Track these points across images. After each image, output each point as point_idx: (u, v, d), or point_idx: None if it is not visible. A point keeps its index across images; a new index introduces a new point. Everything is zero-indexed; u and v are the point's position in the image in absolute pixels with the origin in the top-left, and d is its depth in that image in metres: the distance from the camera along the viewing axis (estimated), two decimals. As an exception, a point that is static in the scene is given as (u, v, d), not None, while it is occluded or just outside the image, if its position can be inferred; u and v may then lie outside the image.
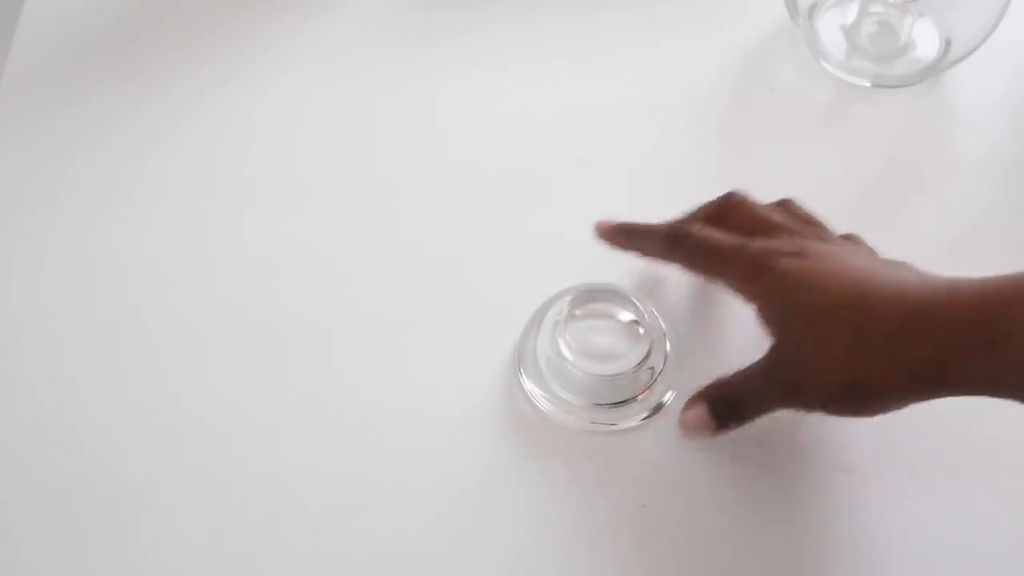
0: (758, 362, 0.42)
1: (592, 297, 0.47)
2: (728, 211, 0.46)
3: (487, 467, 0.46)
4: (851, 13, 0.59)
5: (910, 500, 0.45)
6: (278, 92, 0.58)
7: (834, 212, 0.47)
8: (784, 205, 0.47)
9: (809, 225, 0.46)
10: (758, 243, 0.43)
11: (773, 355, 0.42)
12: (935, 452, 0.46)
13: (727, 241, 0.44)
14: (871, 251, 0.46)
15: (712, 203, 0.47)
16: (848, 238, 0.46)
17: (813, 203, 0.47)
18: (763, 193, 0.47)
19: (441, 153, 0.55)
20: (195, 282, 0.51)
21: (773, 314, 0.42)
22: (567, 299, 0.47)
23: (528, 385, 0.47)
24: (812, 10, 0.58)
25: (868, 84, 0.57)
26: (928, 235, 0.52)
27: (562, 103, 0.57)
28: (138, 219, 0.53)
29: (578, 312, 0.47)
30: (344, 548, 0.44)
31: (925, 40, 0.58)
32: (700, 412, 0.44)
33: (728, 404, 0.44)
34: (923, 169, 0.55)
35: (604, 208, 0.49)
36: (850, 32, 0.59)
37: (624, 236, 0.47)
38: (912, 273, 0.42)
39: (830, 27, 0.59)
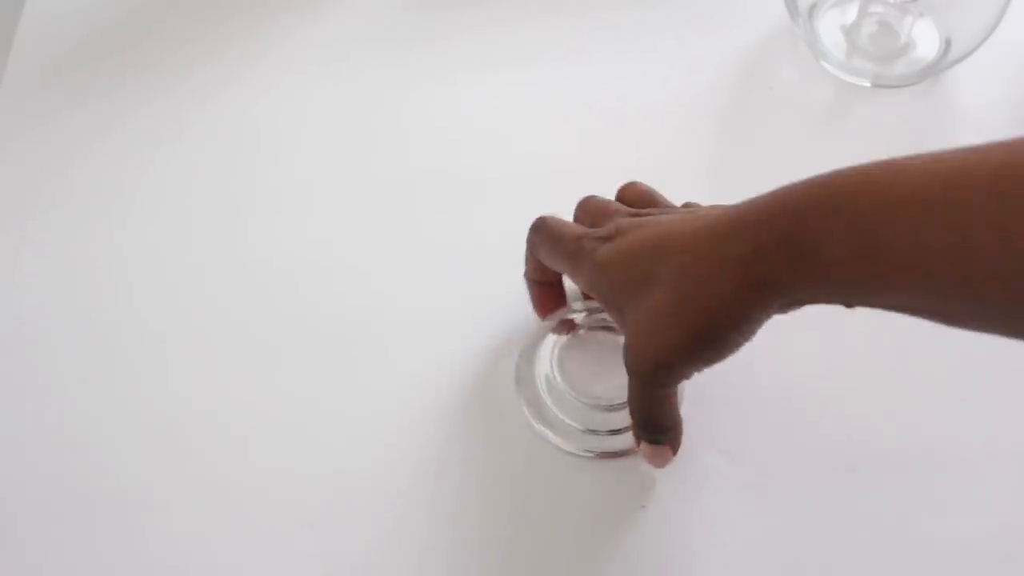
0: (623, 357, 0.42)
1: (591, 322, 0.48)
2: (578, 210, 0.47)
3: (487, 468, 0.46)
4: (851, 13, 0.59)
5: (910, 500, 0.45)
6: (280, 92, 0.58)
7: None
8: (630, 190, 0.47)
9: (649, 205, 0.45)
10: (576, 231, 0.43)
11: (625, 345, 0.41)
12: (935, 452, 0.46)
13: (565, 231, 0.44)
14: (703, 211, 0.43)
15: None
16: (687, 206, 0.45)
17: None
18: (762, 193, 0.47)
19: (441, 153, 0.55)
20: (197, 282, 0.51)
21: (603, 301, 0.42)
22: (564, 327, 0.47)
23: (527, 411, 0.47)
24: (812, 10, 0.58)
25: (868, 84, 0.57)
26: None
27: (562, 103, 0.57)
28: (141, 219, 0.53)
29: (580, 333, 0.47)
30: (344, 548, 0.44)
31: (925, 40, 0.58)
32: (645, 447, 0.43)
33: (644, 427, 0.43)
34: (923, 169, 0.55)
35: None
36: (850, 32, 0.59)
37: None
38: (705, 210, 0.42)
39: (830, 27, 0.59)
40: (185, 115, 0.57)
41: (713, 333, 0.38)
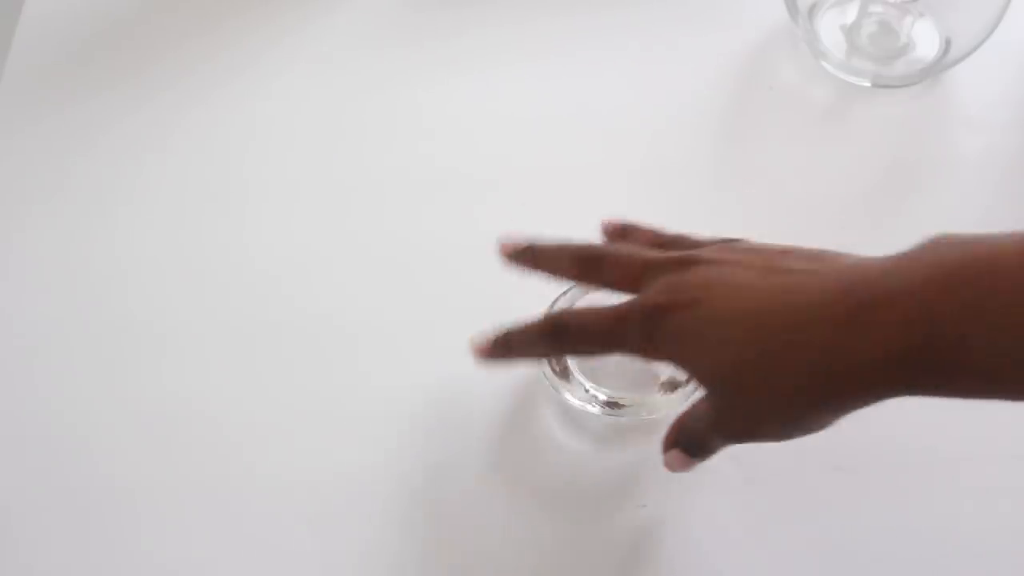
0: (705, 409, 0.39)
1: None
2: (581, 265, 0.41)
3: (486, 468, 0.46)
4: (851, 13, 0.59)
5: (910, 500, 0.45)
6: (277, 93, 0.58)
7: (833, 212, 0.47)
8: (638, 235, 0.42)
9: (672, 246, 0.41)
10: (606, 310, 0.39)
11: (714, 411, 0.38)
12: (934, 452, 0.46)
13: (595, 316, 0.39)
14: (757, 249, 0.39)
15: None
16: (729, 242, 0.41)
17: (812, 203, 0.47)
18: (762, 193, 0.47)
19: (441, 153, 0.55)
20: (195, 282, 0.51)
21: (690, 371, 0.38)
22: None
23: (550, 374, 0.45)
24: (812, 10, 0.58)
25: (868, 84, 0.57)
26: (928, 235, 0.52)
27: (562, 104, 0.57)
28: (138, 219, 0.53)
29: None
30: (344, 548, 0.44)
31: (925, 40, 0.58)
32: (677, 455, 0.41)
33: (695, 445, 0.41)
34: (923, 169, 0.55)
35: (605, 209, 0.49)
36: (850, 32, 0.59)
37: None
38: (821, 264, 0.37)
39: (830, 27, 0.59)
40: (181, 115, 0.57)
41: (819, 427, 0.36)
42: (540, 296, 0.48)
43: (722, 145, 0.56)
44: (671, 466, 0.42)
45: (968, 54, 0.55)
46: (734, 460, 0.45)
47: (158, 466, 0.46)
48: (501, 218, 0.53)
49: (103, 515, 0.45)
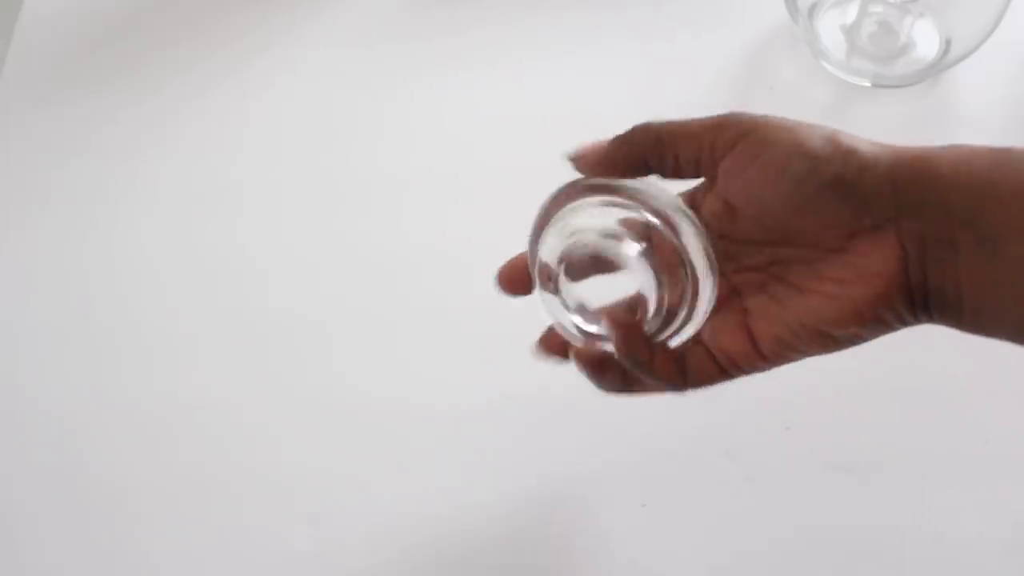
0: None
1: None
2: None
3: (485, 468, 0.46)
4: (851, 13, 0.59)
5: (910, 500, 0.45)
6: (274, 92, 0.58)
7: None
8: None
9: None
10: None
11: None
12: (935, 452, 0.46)
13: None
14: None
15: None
16: None
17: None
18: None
19: (440, 153, 0.55)
20: (191, 281, 0.51)
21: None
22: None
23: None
24: (812, 10, 0.58)
25: (868, 84, 0.57)
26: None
27: (561, 103, 0.57)
28: (133, 217, 0.53)
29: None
30: (343, 547, 0.44)
31: (925, 40, 0.58)
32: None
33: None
34: (923, 169, 0.55)
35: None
36: (850, 32, 0.59)
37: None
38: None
39: (830, 27, 0.59)
40: (177, 115, 0.57)
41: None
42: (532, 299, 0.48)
43: (722, 145, 0.56)
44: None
45: (968, 54, 0.55)
46: (734, 459, 0.46)
47: (155, 466, 0.46)
48: (500, 218, 0.53)
49: (99, 514, 0.45)
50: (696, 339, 0.37)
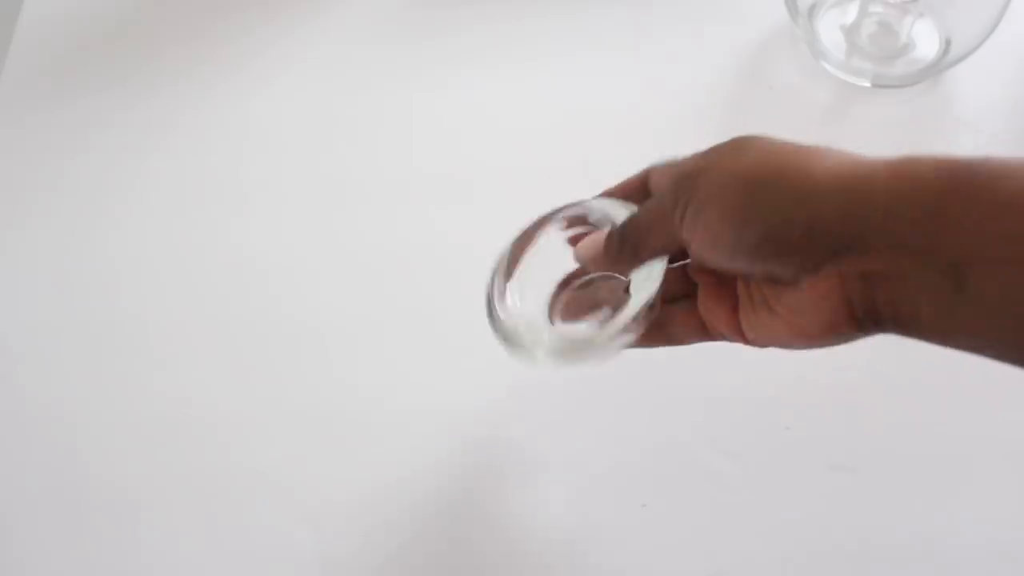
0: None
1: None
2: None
3: (484, 464, 0.46)
4: (851, 13, 0.59)
5: (910, 500, 0.45)
6: (274, 92, 0.58)
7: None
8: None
9: None
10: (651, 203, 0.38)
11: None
12: (935, 452, 0.46)
13: (646, 212, 0.39)
14: None
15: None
16: None
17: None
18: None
19: (439, 153, 0.55)
20: (191, 280, 0.51)
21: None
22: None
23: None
24: (812, 10, 0.58)
25: (868, 84, 0.57)
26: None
27: (560, 103, 0.57)
28: (133, 217, 0.53)
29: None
30: (343, 547, 0.44)
31: (925, 40, 0.58)
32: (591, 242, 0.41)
33: (628, 241, 0.39)
34: (923, 169, 0.55)
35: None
36: (850, 32, 0.59)
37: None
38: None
39: (830, 27, 0.59)
40: (178, 115, 0.57)
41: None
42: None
43: (722, 145, 0.56)
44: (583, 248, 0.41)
45: (968, 54, 0.55)
46: (734, 459, 0.46)
47: (155, 466, 0.46)
48: (500, 218, 0.53)
49: (98, 515, 0.45)
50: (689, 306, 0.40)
